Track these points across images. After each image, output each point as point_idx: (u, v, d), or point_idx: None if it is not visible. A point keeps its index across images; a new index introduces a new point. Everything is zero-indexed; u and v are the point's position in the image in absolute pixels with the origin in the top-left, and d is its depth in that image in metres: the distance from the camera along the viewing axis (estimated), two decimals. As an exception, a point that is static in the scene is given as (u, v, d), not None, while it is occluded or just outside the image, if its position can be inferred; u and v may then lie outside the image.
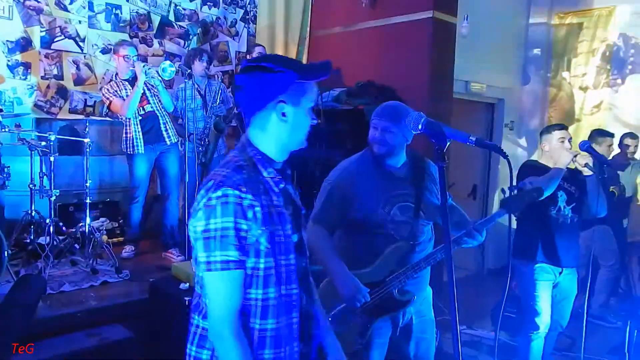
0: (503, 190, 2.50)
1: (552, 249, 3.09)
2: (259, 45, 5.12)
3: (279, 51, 6.02)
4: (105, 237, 4.09)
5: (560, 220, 3.10)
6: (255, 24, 6.04)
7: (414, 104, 5.06)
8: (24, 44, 4.54)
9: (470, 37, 5.21)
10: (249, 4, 6.01)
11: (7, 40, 4.44)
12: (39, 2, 4.57)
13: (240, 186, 1.37)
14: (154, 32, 5.30)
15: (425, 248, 2.29)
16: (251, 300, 1.41)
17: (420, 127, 1.58)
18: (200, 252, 1.37)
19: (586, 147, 3.02)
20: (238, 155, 1.48)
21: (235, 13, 5.92)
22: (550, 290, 3.16)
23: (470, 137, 1.51)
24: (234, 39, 5.92)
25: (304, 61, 6.16)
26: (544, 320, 3.14)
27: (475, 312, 4.66)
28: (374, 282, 2.15)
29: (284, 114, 1.46)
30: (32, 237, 3.85)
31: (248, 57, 5.06)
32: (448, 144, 1.48)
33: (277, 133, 1.48)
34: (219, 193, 1.35)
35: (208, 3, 5.69)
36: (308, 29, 6.17)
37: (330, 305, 2.09)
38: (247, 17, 6.03)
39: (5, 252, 3.04)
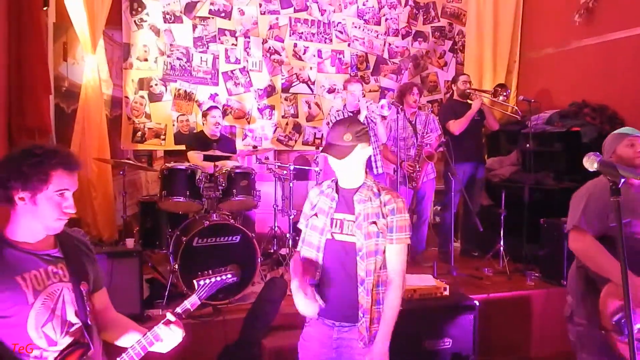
0: None
1: None
2: (464, 74, 5.33)
3: (487, 76, 6.15)
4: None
5: None
6: (464, 52, 6.30)
7: (636, 122, 4.74)
8: (270, 90, 5.61)
9: None
10: (457, 34, 6.30)
11: (258, 89, 5.55)
12: (280, 55, 5.61)
13: None
14: (371, 70, 5.98)
15: None
16: None
17: (595, 165, 1.69)
18: None
19: None
20: None
21: (443, 45, 6.27)
22: None
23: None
24: (442, 69, 6.27)
25: (514, 85, 6.16)
26: None
27: None
28: None
29: None
30: (275, 248, 4.75)
31: (453, 86, 5.31)
32: (623, 180, 1.60)
33: None
34: None
35: (418, 39, 6.16)
36: (518, 52, 6.19)
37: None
38: (455, 47, 6.32)
39: (258, 259, 3.85)
